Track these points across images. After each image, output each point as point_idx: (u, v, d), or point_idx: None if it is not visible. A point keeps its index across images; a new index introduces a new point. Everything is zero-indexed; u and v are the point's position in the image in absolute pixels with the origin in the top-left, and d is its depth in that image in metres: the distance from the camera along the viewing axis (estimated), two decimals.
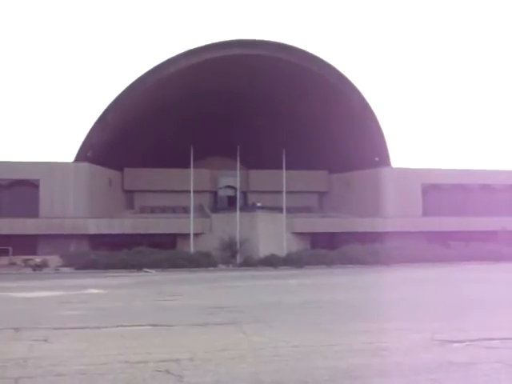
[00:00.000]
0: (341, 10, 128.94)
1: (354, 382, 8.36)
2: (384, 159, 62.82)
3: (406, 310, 17.90)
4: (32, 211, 55.34)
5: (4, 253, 52.58)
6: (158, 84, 56.49)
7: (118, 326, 13.97)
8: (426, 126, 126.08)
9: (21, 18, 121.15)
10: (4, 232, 53.57)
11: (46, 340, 12.01)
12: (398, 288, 28.28)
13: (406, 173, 62.81)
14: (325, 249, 55.44)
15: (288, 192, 58.26)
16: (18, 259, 50.90)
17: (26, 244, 53.36)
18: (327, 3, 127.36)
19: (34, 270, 48.23)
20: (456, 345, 11.11)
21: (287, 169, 57.77)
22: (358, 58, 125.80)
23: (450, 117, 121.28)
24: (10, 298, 23.14)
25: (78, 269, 47.90)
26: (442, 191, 64.05)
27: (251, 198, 65.93)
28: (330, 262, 51.64)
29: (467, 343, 11.24)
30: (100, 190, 58.81)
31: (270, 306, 18.57)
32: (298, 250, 55.14)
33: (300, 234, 59.68)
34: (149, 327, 13.86)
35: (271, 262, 51.16)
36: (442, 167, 65.56)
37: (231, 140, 60.78)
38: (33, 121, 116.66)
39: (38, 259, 50.63)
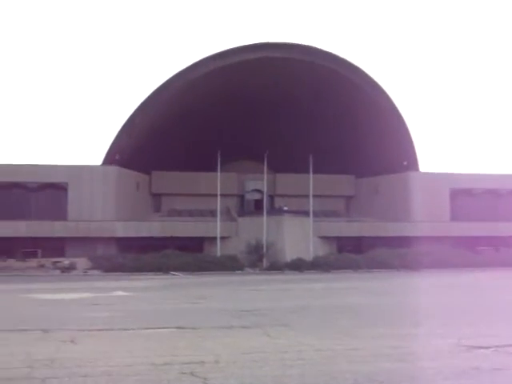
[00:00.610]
0: (366, 9, 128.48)
1: None
2: (412, 163, 62.45)
3: (433, 315, 17.75)
4: (60, 214, 55.88)
5: (33, 255, 53.15)
6: (185, 87, 56.78)
7: (144, 328, 14.06)
8: (455, 129, 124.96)
9: (52, 19, 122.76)
10: (33, 234, 54.17)
11: (72, 341, 12.14)
12: (425, 293, 28.06)
13: (434, 177, 62.37)
14: (351, 253, 55.34)
15: (315, 196, 58.14)
16: (47, 261, 51.46)
17: (54, 246, 53.92)
18: (351, 3, 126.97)
19: (63, 272, 48.80)
20: (483, 350, 10.99)
21: (314, 173, 57.65)
22: (383, 59, 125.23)
23: (479, 120, 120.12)
24: (38, 299, 23.39)
25: (105, 271, 48.34)
26: (470, 196, 63.50)
27: (278, 202, 65.90)
28: (356, 267, 51.50)
29: (494, 349, 11.11)
30: (128, 193, 59.23)
31: (296, 310, 18.53)
32: (324, 254, 55.09)
33: (326, 238, 59.54)
34: (174, 330, 13.93)
35: (298, 265, 51.16)
36: (471, 172, 64.99)
37: (259, 144, 60.90)
38: (62, 124, 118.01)
39: (66, 261, 51.20)
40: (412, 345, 11.93)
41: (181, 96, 57.65)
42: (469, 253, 56.50)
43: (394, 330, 13.80)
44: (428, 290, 30.00)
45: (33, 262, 51.55)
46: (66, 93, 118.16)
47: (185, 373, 9.01)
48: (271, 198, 66.55)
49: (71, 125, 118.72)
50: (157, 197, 65.56)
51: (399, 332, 13.57)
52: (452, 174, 63.42)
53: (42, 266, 51.01)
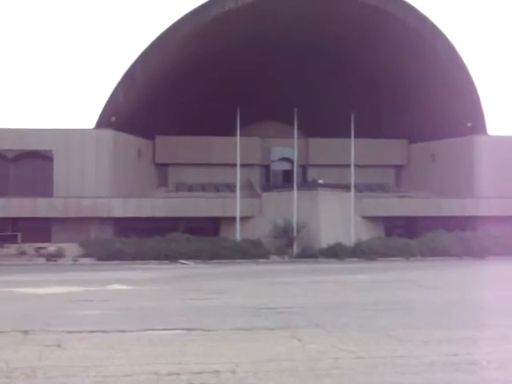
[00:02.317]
0: None
1: None
2: (479, 125, 61.79)
3: (501, 314, 17.72)
4: (45, 189, 56.00)
5: (12, 240, 53.44)
6: (195, 33, 56.49)
7: (145, 330, 14.22)
8: None
9: None
10: (11, 215, 54.46)
11: (59, 345, 12.31)
12: (493, 287, 27.96)
13: (506, 142, 61.71)
14: (403, 237, 55.24)
15: (357, 166, 57.86)
16: (29, 247, 51.81)
17: (37, 229, 54.22)
18: None
19: (48, 260, 49.24)
20: None
21: (356, 137, 57.26)
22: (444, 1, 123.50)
23: None
24: (18, 294, 23.69)
25: (99, 259, 48.72)
26: None
27: (312, 174, 65.75)
28: (408, 254, 51.42)
29: None
30: (127, 163, 59.35)
31: (332, 308, 18.62)
32: (369, 239, 54.94)
33: (372, 219, 59.37)
34: (183, 332, 14.07)
35: (336, 252, 51.19)
36: None
37: (287, 101, 60.58)
38: (46, 81, 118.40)
39: (52, 248, 51.58)
40: (475, 351, 11.92)
41: (191, 43, 57.41)
42: None
43: (452, 333, 13.82)
44: (497, 283, 29.89)
45: (12, 249, 51.87)
46: (52, 42, 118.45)
47: None
48: (303, 168, 66.37)
49: (58, 82, 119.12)
50: (162, 167, 65.64)
51: (459, 335, 13.59)
52: None
53: (23, 253, 51.35)
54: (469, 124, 61.07)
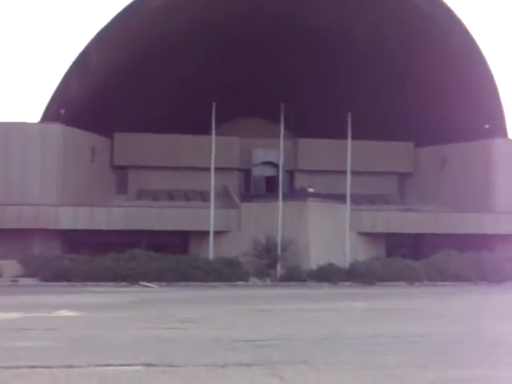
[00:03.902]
0: None
1: None
2: (498, 127, 62.17)
3: None
4: None
5: None
6: (164, 8, 56.45)
7: (97, 366, 14.16)
8: None
9: None
10: None
11: None
12: (510, 318, 28.08)
13: None
14: (407, 258, 55.42)
15: (354, 173, 58.03)
16: None
17: None
18: None
19: None
20: None
21: (354, 138, 57.46)
22: None
23: None
24: None
25: (44, 280, 48.59)
26: None
27: (300, 181, 65.91)
28: (413, 278, 51.67)
29: None
30: (78, 164, 59.16)
31: (323, 341, 18.64)
32: (366, 259, 55.16)
33: (370, 236, 59.60)
34: (142, 368, 14.03)
35: (328, 275, 51.39)
36: None
37: (273, 94, 60.72)
38: None
39: None
40: None
41: (158, 21, 57.36)
42: None
43: (463, 373, 13.84)
44: None
45: None
46: None
47: None
48: (291, 174, 66.54)
49: None
50: (121, 170, 65.52)
51: (471, 375, 13.61)
52: None
53: None
54: (486, 126, 61.36)
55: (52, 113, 57.16)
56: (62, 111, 56.55)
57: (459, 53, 60.31)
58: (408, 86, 62.71)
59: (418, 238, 60.43)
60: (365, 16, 59.83)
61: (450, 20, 59.84)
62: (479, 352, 17.61)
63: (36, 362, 14.54)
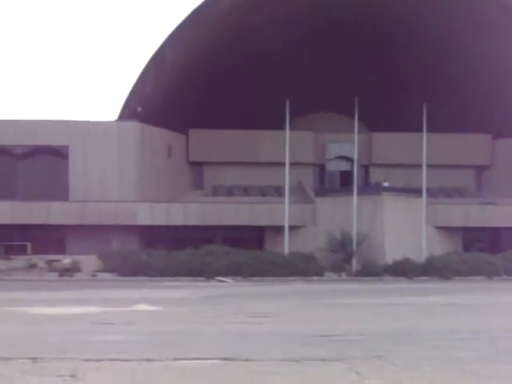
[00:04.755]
0: None
1: None
2: None
3: None
4: (59, 192, 56.50)
5: (20, 251, 53.90)
6: (236, 6, 56.53)
7: (175, 359, 14.24)
8: None
9: None
10: (19, 221, 55.00)
11: (73, 376, 12.35)
12: None
13: None
14: (485, 252, 54.75)
15: (430, 166, 57.53)
16: (40, 260, 52.31)
17: (50, 239, 54.76)
18: None
19: (62, 275, 49.71)
20: None
21: (429, 131, 56.96)
22: None
23: None
24: (27, 315, 23.88)
25: (122, 275, 49.11)
26: None
27: (375, 175, 65.60)
28: (492, 272, 51.11)
29: None
30: (155, 161, 59.65)
31: (399, 336, 18.51)
32: (443, 254, 54.62)
33: (448, 230, 59.02)
34: (219, 362, 14.07)
35: (403, 269, 51.06)
36: None
37: (347, 89, 60.44)
38: (61, 69, 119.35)
39: (66, 260, 52.03)
40: None
41: (233, 19, 57.46)
42: None
43: None
44: None
45: (20, 261, 52.45)
46: (68, 24, 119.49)
47: None
48: (365, 168, 66.25)
49: (74, 70, 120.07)
50: (197, 167, 65.89)
51: None
52: None
53: (33, 266, 51.90)
54: None
55: (129, 111, 57.63)
56: (139, 109, 57.07)
57: None
58: (485, 78, 61.90)
59: (496, 231, 59.68)
60: (442, 7, 59.20)
61: None
62: None
63: (115, 355, 14.69)
